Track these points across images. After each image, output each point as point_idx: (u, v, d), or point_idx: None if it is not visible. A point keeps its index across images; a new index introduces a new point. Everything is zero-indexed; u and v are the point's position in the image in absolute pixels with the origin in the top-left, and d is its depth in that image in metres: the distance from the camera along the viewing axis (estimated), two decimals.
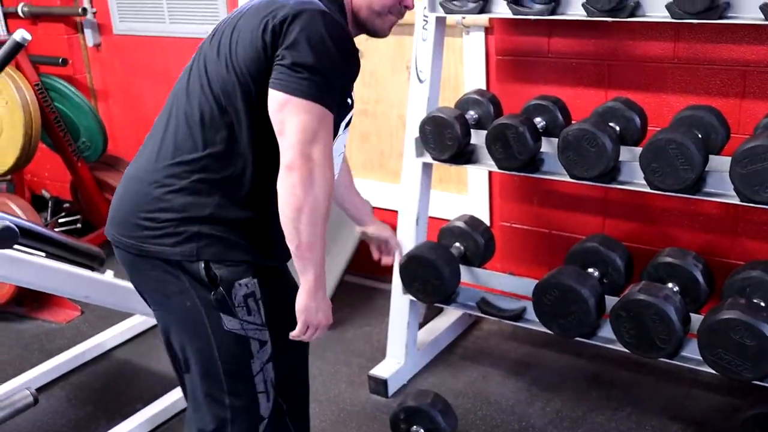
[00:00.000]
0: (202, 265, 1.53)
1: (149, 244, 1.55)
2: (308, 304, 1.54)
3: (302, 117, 1.45)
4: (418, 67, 2.59)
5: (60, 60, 3.81)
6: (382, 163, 3.33)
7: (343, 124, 1.65)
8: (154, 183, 1.55)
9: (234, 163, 1.53)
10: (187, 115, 1.56)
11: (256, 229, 1.58)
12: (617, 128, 2.35)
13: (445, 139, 2.43)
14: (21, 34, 1.79)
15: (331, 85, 1.49)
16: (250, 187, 1.55)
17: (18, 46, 1.78)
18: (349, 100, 1.63)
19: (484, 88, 2.86)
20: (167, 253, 1.54)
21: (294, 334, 1.58)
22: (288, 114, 1.45)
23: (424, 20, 2.54)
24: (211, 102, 1.53)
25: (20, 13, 3.95)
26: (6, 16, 3.52)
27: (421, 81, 2.59)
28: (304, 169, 1.44)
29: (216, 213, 1.53)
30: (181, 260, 1.54)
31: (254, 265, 1.58)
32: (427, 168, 2.63)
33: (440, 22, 2.54)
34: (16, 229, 1.47)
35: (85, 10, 3.83)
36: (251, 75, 1.50)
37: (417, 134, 2.52)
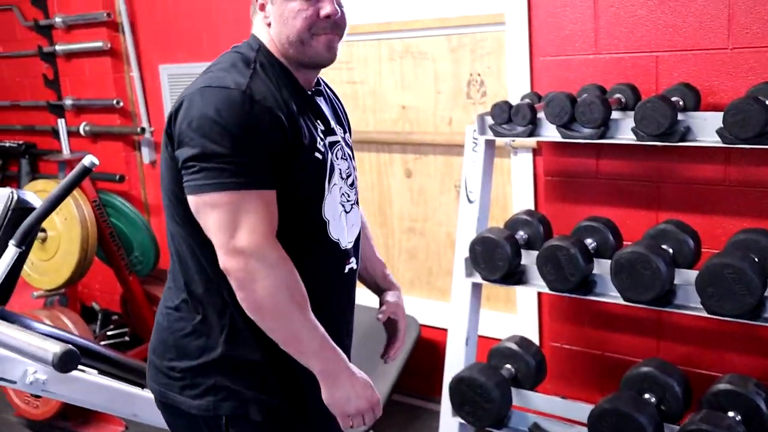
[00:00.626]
0: (223, 420, 1.49)
1: (172, 393, 1.54)
2: (333, 395, 1.46)
3: (213, 214, 1.36)
4: (467, 188, 2.62)
5: (117, 177, 3.95)
6: (430, 280, 3.33)
7: (336, 177, 1.54)
8: (168, 329, 1.55)
9: (215, 294, 1.48)
10: (171, 248, 1.56)
11: (276, 369, 1.50)
12: (670, 251, 2.32)
13: (496, 260, 2.43)
14: (90, 159, 1.85)
15: (239, 161, 1.35)
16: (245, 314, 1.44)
17: (86, 171, 1.84)
18: (317, 155, 1.48)
19: (532, 208, 2.88)
20: (187, 406, 1.51)
21: (343, 428, 1.52)
22: (202, 217, 1.39)
23: (474, 142, 2.59)
24: (170, 231, 1.53)
25: (82, 133, 4.13)
26: (69, 134, 3.71)
27: (470, 201, 2.62)
28: (237, 267, 1.35)
29: (228, 353, 1.48)
30: (202, 414, 1.51)
31: (278, 416, 1.52)
32: (476, 288, 2.62)
33: (489, 144, 2.59)
34: (78, 354, 1.48)
35: (143, 129, 3.99)
36: (174, 194, 1.46)
37: (467, 254, 2.52)
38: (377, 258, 1.87)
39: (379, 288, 1.86)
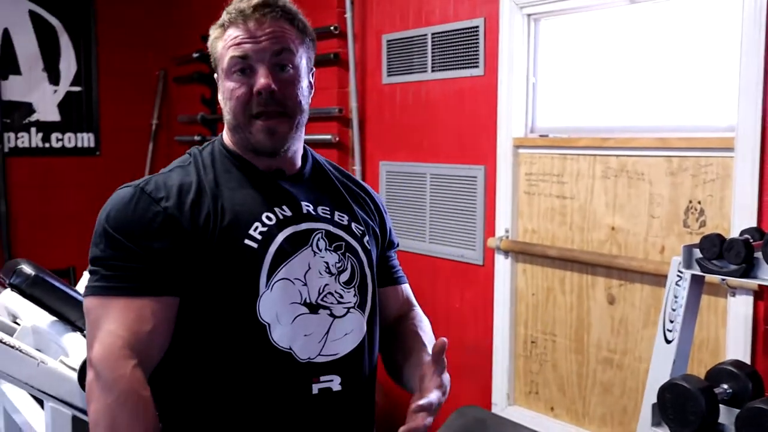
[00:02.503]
0: None
1: None
2: None
3: (86, 322, 1.28)
4: (666, 325, 2.35)
5: None
6: (623, 420, 3.01)
7: (293, 270, 1.31)
8: None
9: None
10: None
11: None
12: None
13: (687, 413, 2.13)
14: None
15: (112, 265, 1.25)
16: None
17: None
18: (248, 242, 1.29)
19: (747, 359, 2.51)
20: None
21: None
22: None
23: (678, 276, 2.33)
24: None
25: None
26: None
27: (668, 341, 2.34)
28: (87, 380, 1.23)
29: None
30: None
31: None
32: None
33: (696, 280, 2.31)
34: None
35: None
36: None
37: (655, 400, 2.24)
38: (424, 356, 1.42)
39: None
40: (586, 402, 3.11)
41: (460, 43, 3.54)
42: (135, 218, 1.28)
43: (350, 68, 4.09)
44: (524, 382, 3.38)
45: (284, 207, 1.37)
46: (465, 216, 3.57)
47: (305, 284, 1.33)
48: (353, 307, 1.38)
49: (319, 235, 1.37)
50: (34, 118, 5.34)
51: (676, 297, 2.33)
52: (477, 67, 3.47)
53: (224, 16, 1.38)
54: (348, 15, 4.06)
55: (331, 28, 4.09)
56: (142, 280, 1.25)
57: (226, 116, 1.38)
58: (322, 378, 1.34)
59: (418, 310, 1.60)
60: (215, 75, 1.42)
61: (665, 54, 2.86)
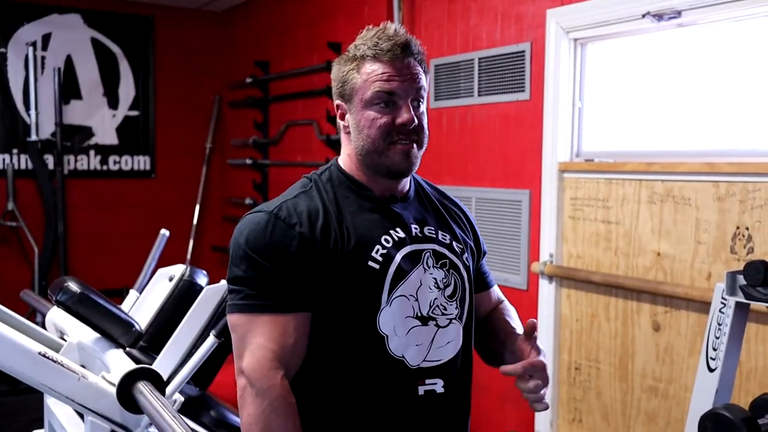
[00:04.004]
0: None
1: None
2: None
3: (232, 334, 1.42)
4: (709, 353, 2.29)
5: None
6: None
7: (408, 287, 1.45)
8: None
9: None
10: None
11: None
12: None
13: None
14: None
15: (255, 284, 1.40)
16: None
17: None
18: (371, 264, 1.43)
19: None
20: None
21: None
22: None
23: (722, 303, 2.27)
24: None
25: None
26: None
27: (711, 370, 2.28)
28: (239, 386, 1.38)
29: None
30: None
31: None
32: None
33: (741, 307, 2.25)
34: None
35: None
36: None
37: (696, 430, 2.18)
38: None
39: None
40: (631, 431, 3.05)
41: (506, 67, 3.54)
42: (273, 242, 1.42)
43: None
44: (568, 410, 3.32)
45: (398, 229, 1.51)
46: (509, 240, 3.55)
47: (417, 299, 1.48)
48: (455, 318, 1.53)
49: (428, 254, 1.52)
50: (93, 141, 5.53)
51: (719, 324, 2.27)
52: (523, 91, 3.47)
53: (360, 50, 1.50)
54: None
55: None
56: (284, 298, 1.40)
57: (360, 141, 1.50)
58: (427, 381, 1.49)
59: (506, 303, 1.78)
60: (337, 102, 1.55)
61: (712, 77, 2.82)
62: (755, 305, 2.27)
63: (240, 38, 5.72)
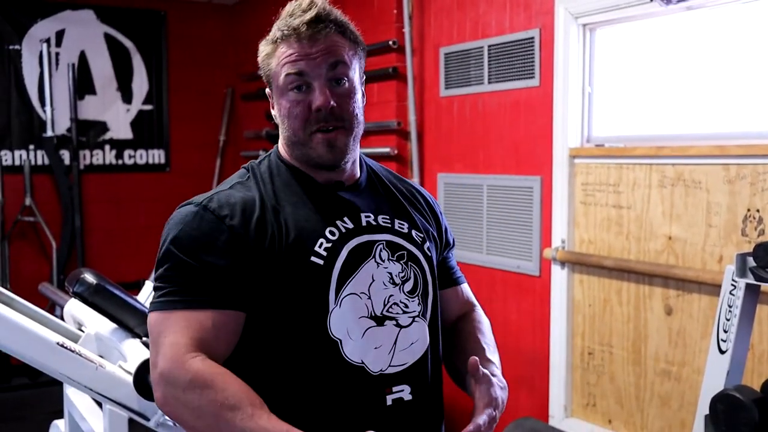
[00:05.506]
0: None
1: None
2: None
3: (150, 341, 1.28)
4: (719, 336, 2.30)
5: None
6: None
7: (358, 284, 1.31)
8: None
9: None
10: None
11: None
12: None
13: (740, 424, 2.08)
14: None
15: (175, 281, 1.26)
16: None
17: None
18: (314, 259, 1.29)
19: None
20: None
21: None
22: None
23: (732, 285, 2.28)
24: None
25: None
26: None
27: (722, 351, 2.29)
28: (159, 399, 1.23)
29: None
30: None
31: None
32: None
33: (751, 289, 2.26)
34: None
35: None
36: None
37: (707, 411, 2.19)
38: (485, 357, 1.43)
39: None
40: (644, 414, 3.06)
41: (515, 54, 3.55)
42: (199, 236, 1.27)
43: (409, 82, 4.13)
44: (581, 394, 3.34)
45: (345, 219, 1.36)
46: (521, 227, 3.56)
47: (369, 297, 1.32)
48: (418, 316, 1.38)
49: (381, 245, 1.36)
50: (108, 136, 5.57)
51: (730, 306, 2.28)
52: (533, 77, 3.47)
53: (275, 32, 1.37)
54: (406, 29, 4.12)
55: (390, 42, 4.15)
56: (203, 294, 1.25)
57: (284, 132, 1.37)
58: (394, 389, 1.34)
59: (479, 311, 1.59)
60: (267, 90, 1.42)
61: (722, 60, 2.81)
62: (766, 287, 2.27)
63: (251, 30, 5.74)
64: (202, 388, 1.18)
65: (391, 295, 1.34)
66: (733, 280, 2.28)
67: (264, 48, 1.40)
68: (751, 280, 2.22)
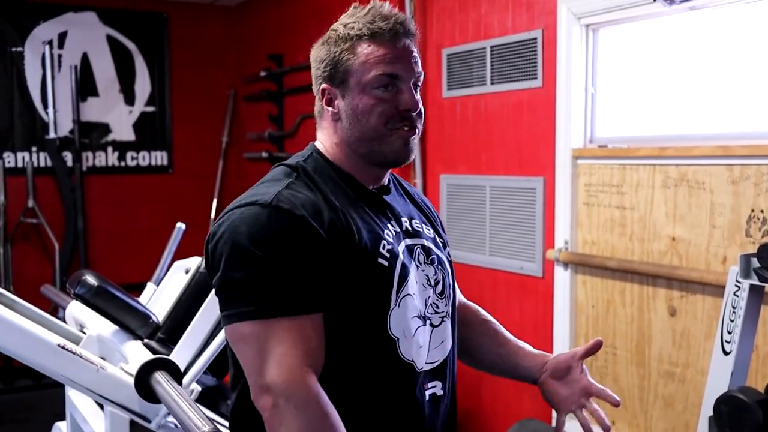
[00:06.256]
0: None
1: None
2: None
3: (241, 347, 1.24)
4: (723, 337, 2.29)
5: None
6: None
7: (411, 286, 1.35)
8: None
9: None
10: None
11: None
12: None
13: (744, 426, 2.07)
14: None
15: (262, 286, 1.22)
16: None
17: None
18: (380, 261, 1.31)
19: None
20: None
21: None
22: (233, 349, 1.28)
23: (736, 286, 2.27)
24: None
25: None
26: None
27: (726, 353, 2.28)
28: (264, 406, 1.20)
29: None
30: None
31: None
32: None
33: (755, 290, 2.25)
34: None
35: None
36: None
37: (711, 412, 2.18)
38: (514, 342, 1.67)
39: (532, 368, 1.65)
40: (648, 416, 3.05)
41: (518, 55, 3.54)
42: (281, 236, 1.25)
43: None
44: None
45: (393, 223, 1.41)
46: (524, 228, 3.55)
47: (418, 298, 1.38)
48: (446, 316, 1.44)
49: (419, 248, 1.42)
50: (110, 137, 5.58)
51: (734, 308, 2.27)
52: (535, 78, 3.46)
53: (354, 29, 1.37)
54: None
55: None
56: (300, 298, 1.24)
57: (356, 128, 1.37)
58: (429, 384, 1.41)
59: (478, 307, 1.73)
60: (324, 85, 1.41)
61: (725, 60, 2.80)
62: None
63: (253, 32, 5.75)
64: (320, 414, 1.20)
65: (428, 297, 1.41)
66: (737, 281, 2.27)
67: (335, 44, 1.39)
68: (755, 281, 2.21)
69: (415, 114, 1.38)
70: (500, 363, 1.65)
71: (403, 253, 1.37)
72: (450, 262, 1.52)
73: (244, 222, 1.26)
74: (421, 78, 1.42)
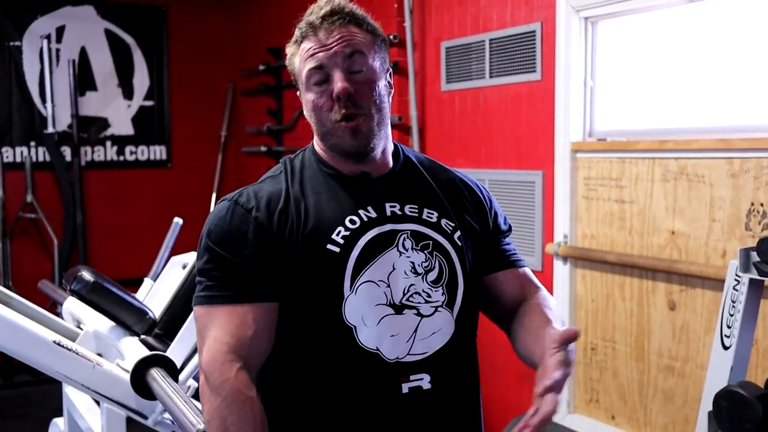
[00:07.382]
0: None
1: None
2: None
3: (196, 328, 1.37)
4: (723, 331, 2.28)
5: None
6: (685, 430, 2.93)
7: (375, 272, 1.33)
8: None
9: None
10: None
11: None
12: None
13: (744, 421, 2.06)
14: None
15: (215, 275, 1.33)
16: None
17: None
18: (330, 247, 1.32)
19: None
20: None
21: None
22: None
23: (736, 280, 2.26)
24: None
25: None
26: None
27: (725, 347, 2.27)
28: (200, 384, 1.32)
29: None
30: None
31: None
32: None
33: (755, 284, 2.24)
34: None
35: None
36: None
37: (711, 407, 2.17)
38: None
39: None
40: (648, 410, 3.04)
41: (517, 48, 3.52)
42: (231, 230, 1.34)
43: (410, 76, 4.11)
44: (584, 390, 3.32)
45: (369, 209, 1.39)
46: (523, 222, 3.54)
47: (389, 285, 1.35)
48: (441, 306, 1.39)
49: (405, 235, 1.38)
50: (109, 132, 5.56)
51: (733, 302, 2.26)
52: (534, 71, 3.44)
53: (297, 32, 1.42)
54: (407, 24, 4.09)
55: (391, 37, 4.12)
56: (242, 288, 1.32)
57: (315, 126, 1.41)
58: (411, 377, 1.36)
59: (544, 292, 1.55)
60: (298, 92, 1.45)
61: (725, 53, 2.79)
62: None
63: (252, 26, 5.72)
64: (229, 401, 1.26)
65: (412, 284, 1.36)
66: (736, 275, 2.25)
67: (289, 50, 1.44)
68: (755, 275, 2.19)
69: (349, 99, 1.34)
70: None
71: (371, 239, 1.36)
72: (461, 248, 1.43)
73: (212, 215, 1.38)
74: (369, 59, 1.38)
